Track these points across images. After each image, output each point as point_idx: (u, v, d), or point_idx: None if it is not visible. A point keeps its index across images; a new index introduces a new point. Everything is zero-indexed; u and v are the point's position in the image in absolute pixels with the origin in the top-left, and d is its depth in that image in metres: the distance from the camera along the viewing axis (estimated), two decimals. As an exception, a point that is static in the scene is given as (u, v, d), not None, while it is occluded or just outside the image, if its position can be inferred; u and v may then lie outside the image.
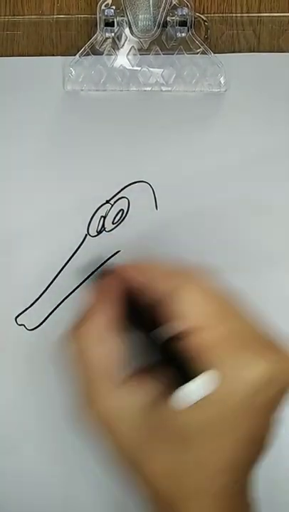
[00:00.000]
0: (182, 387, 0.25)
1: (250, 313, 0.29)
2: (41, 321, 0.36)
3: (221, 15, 0.35)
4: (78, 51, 0.34)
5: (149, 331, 0.28)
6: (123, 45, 0.34)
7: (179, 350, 0.26)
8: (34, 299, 0.36)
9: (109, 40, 0.34)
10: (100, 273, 0.32)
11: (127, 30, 0.34)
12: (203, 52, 0.34)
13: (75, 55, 0.34)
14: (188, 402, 0.25)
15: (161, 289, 0.28)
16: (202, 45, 0.34)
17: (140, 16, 0.33)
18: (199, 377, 0.25)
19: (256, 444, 0.27)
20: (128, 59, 0.34)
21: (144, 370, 0.28)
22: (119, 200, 0.35)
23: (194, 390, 0.25)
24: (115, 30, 0.34)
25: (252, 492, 0.28)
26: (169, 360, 0.27)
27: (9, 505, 0.36)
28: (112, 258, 0.35)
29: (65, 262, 0.35)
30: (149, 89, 0.34)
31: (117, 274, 0.30)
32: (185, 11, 0.33)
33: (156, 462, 0.26)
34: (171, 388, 0.26)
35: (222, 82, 0.34)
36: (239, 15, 0.35)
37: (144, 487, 0.27)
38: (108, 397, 0.27)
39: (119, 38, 0.34)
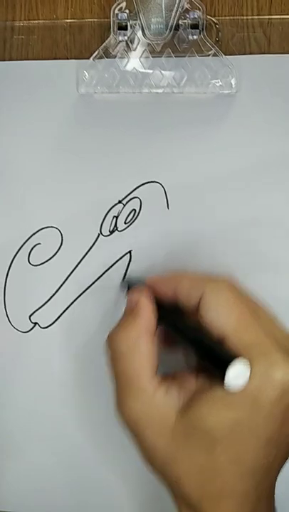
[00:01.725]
0: (229, 370, 0.25)
1: (274, 314, 0.30)
2: (55, 319, 0.36)
3: (231, 17, 0.35)
4: (92, 54, 0.35)
5: (181, 338, 0.30)
6: (136, 48, 0.34)
7: (213, 355, 0.27)
8: (48, 298, 0.36)
9: (122, 43, 0.34)
10: (132, 284, 0.33)
11: (139, 34, 0.34)
12: (214, 55, 0.34)
13: (88, 58, 0.35)
14: (239, 384, 0.26)
15: (190, 298, 0.29)
16: (213, 47, 0.34)
17: (153, 20, 0.33)
18: (236, 362, 0.26)
19: (282, 447, 0.27)
20: (140, 62, 0.34)
21: (175, 375, 0.29)
22: (132, 200, 0.36)
23: (240, 372, 0.26)
24: (128, 34, 0.34)
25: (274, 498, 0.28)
26: (201, 364, 0.29)
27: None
28: (124, 258, 0.36)
29: (78, 261, 0.36)
30: (161, 91, 0.35)
31: (149, 284, 0.31)
32: (197, 14, 0.33)
33: (185, 464, 0.27)
34: (203, 392, 0.27)
35: (233, 83, 0.34)
36: (250, 17, 0.35)
37: (171, 488, 0.28)
38: (141, 401, 0.28)
39: (132, 41, 0.34)
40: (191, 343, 0.29)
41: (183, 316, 0.30)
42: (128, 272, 0.35)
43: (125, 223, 0.36)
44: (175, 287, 0.30)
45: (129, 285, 0.33)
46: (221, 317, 0.28)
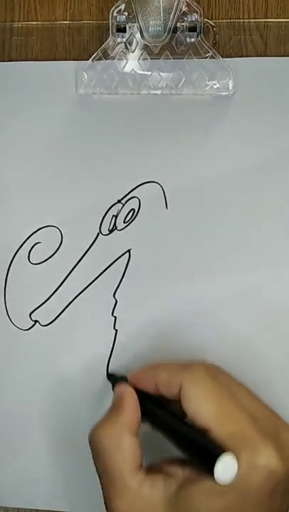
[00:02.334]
0: (217, 464, 0.26)
1: (253, 392, 0.30)
2: (55, 317, 0.37)
3: (228, 20, 0.35)
4: (90, 56, 0.35)
5: (164, 428, 0.30)
6: (134, 50, 0.35)
7: (199, 449, 0.28)
8: (48, 296, 0.37)
9: (121, 45, 0.35)
10: (117, 379, 0.34)
11: (138, 36, 0.34)
12: (211, 57, 0.34)
13: (87, 59, 0.35)
14: (228, 478, 0.26)
15: (170, 390, 0.30)
16: (211, 49, 0.34)
17: (151, 22, 0.34)
18: (223, 456, 0.26)
19: None
20: (139, 63, 0.35)
21: (160, 465, 0.30)
22: (131, 200, 0.36)
23: (228, 465, 0.26)
24: (127, 36, 0.34)
25: None
26: (186, 453, 0.29)
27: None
28: (124, 257, 0.36)
29: (78, 260, 0.36)
30: (159, 92, 0.35)
31: (130, 380, 0.32)
32: (194, 17, 0.34)
33: None
34: (191, 480, 0.27)
35: (230, 85, 0.34)
36: (246, 20, 0.35)
37: None
38: (127, 499, 0.28)
39: (130, 43, 0.35)
40: (175, 439, 0.29)
41: (166, 408, 0.30)
42: (110, 367, 0.36)
43: (124, 222, 0.36)
44: (155, 380, 0.31)
45: (114, 380, 0.34)
46: (201, 409, 0.28)
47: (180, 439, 0.29)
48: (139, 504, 0.28)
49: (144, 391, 0.31)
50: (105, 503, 0.29)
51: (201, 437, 0.28)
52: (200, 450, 0.27)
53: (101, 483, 0.29)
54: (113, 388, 0.33)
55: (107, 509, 0.29)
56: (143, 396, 0.31)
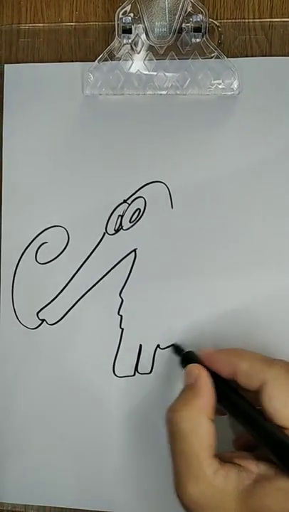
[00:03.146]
0: None
1: None
2: (62, 315, 0.37)
3: (233, 20, 0.35)
4: (96, 57, 0.35)
5: (240, 421, 0.29)
6: (140, 50, 0.35)
7: (277, 445, 0.27)
8: (55, 295, 0.37)
9: (127, 46, 0.35)
10: (185, 358, 0.33)
11: (143, 37, 0.34)
12: (217, 57, 0.34)
13: (93, 60, 0.35)
14: None
15: (250, 381, 0.29)
16: (216, 49, 0.34)
17: (156, 23, 0.34)
18: None
19: None
20: (144, 64, 0.35)
21: (232, 457, 0.29)
22: (136, 200, 0.36)
23: None
24: (132, 37, 0.34)
25: None
26: (265, 448, 0.28)
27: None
28: (129, 256, 0.37)
29: (84, 259, 0.37)
30: (164, 93, 0.35)
31: (203, 359, 0.31)
32: (199, 17, 0.34)
33: None
34: (267, 477, 0.27)
35: (235, 85, 0.35)
36: (251, 20, 0.35)
37: None
38: (201, 485, 0.27)
39: (136, 44, 0.35)
40: (252, 428, 0.29)
41: (241, 395, 0.30)
42: (176, 341, 0.35)
43: (130, 222, 0.36)
44: (233, 367, 0.30)
45: (184, 356, 0.34)
46: (284, 410, 0.28)
47: (260, 433, 0.28)
48: (212, 493, 0.27)
49: (216, 372, 0.31)
50: (176, 486, 0.28)
51: (284, 436, 0.27)
52: (282, 448, 0.27)
53: (174, 466, 0.29)
54: (182, 363, 0.33)
55: (178, 492, 0.28)
56: (215, 377, 0.30)
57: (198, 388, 0.30)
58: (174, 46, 0.35)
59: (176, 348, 0.35)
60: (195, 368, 0.31)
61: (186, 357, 0.33)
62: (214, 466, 0.28)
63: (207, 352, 0.32)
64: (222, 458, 0.29)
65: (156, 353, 0.36)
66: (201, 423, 0.29)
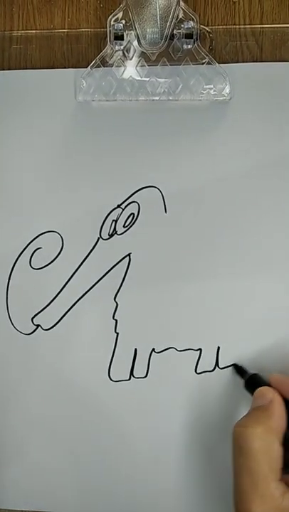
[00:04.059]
0: None
1: None
2: (56, 321, 0.37)
3: (224, 27, 0.36)
4: (89, 63, 0.35)
5: None
6: (132, 57, 0.35)
7: None
8: (49, 300, 0.37)
9: (119, 52, 0.35)
10: (253, 381, 0.34)
11: (135, 43, 0.35)
12: (208, 63, 0.35)
13: (85, 67, 0.35)
14: None
15: None
16: (207, 55, 0.35)
17: (148, 30, 0.34)
18: None
19: None
20: (137, 70, 0.35)
21: None
22: (130, 205, 0.36)
23: None
24: (124, 43, 0.35)
25: None
26: None
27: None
28: (124, 261, 0.37)
29: (79, 264, 0.37)
30: (157, 98, 0.35)
31: (273, 383, 0.32)
32: (191, 24, 0.34)
33: None
34: None
35: (227, 90, 0.35)
36: (242, 26, 0.36)
37: None
38: (268, 503, 0.27)
39: (128, 50, 0.35)
40: None
41: None
42: (236, 360, 0.35)
43: (124, 227, 0.37)
44: None
45: (252, 379, 0.34)
46: None
47: None
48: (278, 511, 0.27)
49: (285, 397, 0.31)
50: (238, 503, 0.28)
51: None
52: None
53: (238, 483, 0.28)
54: (247, 385, 0.33)
55: (239, 510, 0.28)
56: (286, 403, 0.31)
57: (272, 410, 0.30)
58: (166, 52, 0.35)
59: (239, 369, 0.35)
60: (269, 392, 0.31)
61: (252, 379, 0.34)
62: (281, 489, 0.28)
63: (278, 377, 0.32)
64: (287, 482, 0.28)
65: (152, 357, 0.36)
66: (273, 444, 0.28)
